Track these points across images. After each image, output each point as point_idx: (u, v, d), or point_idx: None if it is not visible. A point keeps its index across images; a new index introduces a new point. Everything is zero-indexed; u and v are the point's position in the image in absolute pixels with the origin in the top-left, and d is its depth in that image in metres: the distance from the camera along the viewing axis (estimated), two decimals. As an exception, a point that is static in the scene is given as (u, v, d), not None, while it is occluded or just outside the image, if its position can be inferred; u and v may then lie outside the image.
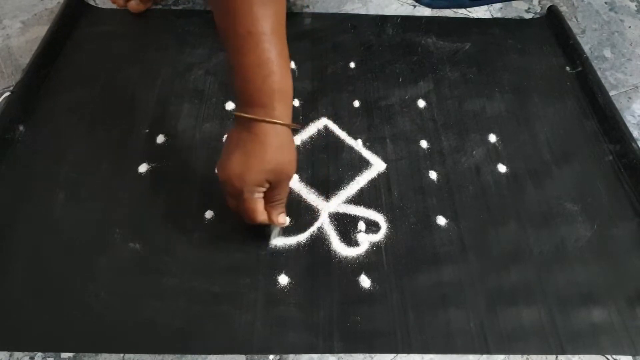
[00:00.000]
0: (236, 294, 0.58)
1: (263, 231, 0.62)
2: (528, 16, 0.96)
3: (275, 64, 0.51)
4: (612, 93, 0.81)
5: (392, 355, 0.55)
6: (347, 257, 0.62)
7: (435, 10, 0.95)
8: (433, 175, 0.70)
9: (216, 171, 0.58)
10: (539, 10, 0.97)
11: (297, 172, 0.69)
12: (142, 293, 0.58)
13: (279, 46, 0.52)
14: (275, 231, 0.63)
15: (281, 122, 0.53)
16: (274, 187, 0.56)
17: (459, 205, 0.67)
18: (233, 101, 0.77)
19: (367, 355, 0.55)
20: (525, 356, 0.55)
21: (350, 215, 0.66)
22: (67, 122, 0.74)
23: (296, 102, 0.78)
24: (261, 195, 0.56)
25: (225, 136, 0.70)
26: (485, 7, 0.96)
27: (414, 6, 0.96)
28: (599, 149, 0.74)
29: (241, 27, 0.50)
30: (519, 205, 0.67)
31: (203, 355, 0.54)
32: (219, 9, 0.51)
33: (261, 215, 0.57)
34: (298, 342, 0.55)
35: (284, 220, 0.60)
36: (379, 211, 0.66)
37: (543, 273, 0.61)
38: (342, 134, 0.74)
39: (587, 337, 0.57)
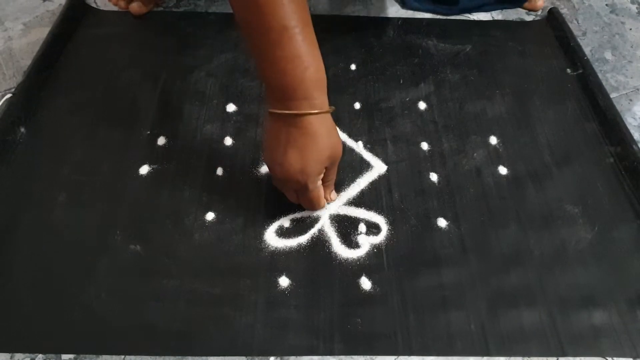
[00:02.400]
0: (237, 296, 0.58)
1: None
2: (529, 18, 0.96)
3: (311, 54, 0.52)
4: (612, 95, 0.81)
5: (392, 357, 0.55)
6: (347, 259, 0.62)
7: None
8: (434, 177, 0.70)
9: (269, 171, 0.61)
10: (539, 13, 0.97)
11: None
12: (142, 295, 0.58)
13: (312, 37, 0.53)
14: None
15: (325, 110, 0.55)
16: (327, 170, 0.59)
17: (459, 207, 0.67)
18: (234, 103, 0.77)
19: (368, 357, 0.55)
20: (525, 358, 0.55)
21: (350, 217, 0.66)
22: (68, 123, 0.74)
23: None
24: (319, 184, 0.59)
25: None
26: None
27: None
28: (599, 151, 0.74)
29: (276, 21, 0.50)
30: (520, 208, 0.67)
31: (203, 357, 0.54)
32: (247, 6, 0.51)
33: (323, 201, 0.62)
34: (298, 344, 0.55)
35: (335, 196, 0.66)
36: (379, 213, 0.66)
37: (544, 275, 0.61)
38: (343, 136, 0.74)
39: (587, 339, 0.56)
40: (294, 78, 0.52)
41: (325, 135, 0.55)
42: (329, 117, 0.56)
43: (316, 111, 0.54)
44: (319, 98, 0.54)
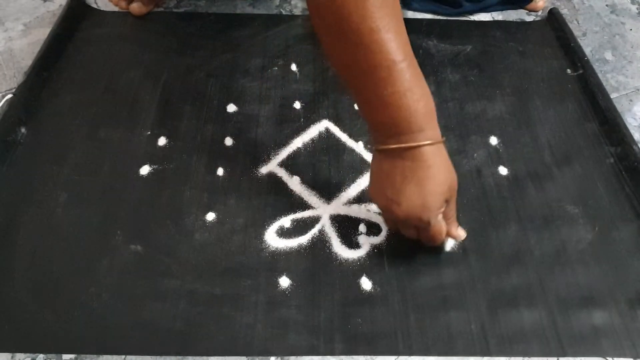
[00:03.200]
0: (237, 296, 0.58)
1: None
2: (529, 19, 0.96)
3: (421, 86, 0.51)
4: (613, 95, 0.81)
5: (393, 358, 0.55)
6: (348, 259, 0.62)
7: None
8: (434, 177, 0.70)
9: (383, 212, 0.60)
10: (539, 13, 0.97)
11: (297, 174, 0.69)
12: (143, 295, 0.58)
13: (417, 67, 0.52)
14: (451, 242, 0.63)
15: (439, 140, 0.53)
16: (447, 204, 0.56)
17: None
18: (234, 103, 0.78)
19: (368, 357, 0.55)
20: (526, 358, 0.55)
21: (351, 217, 0.66)
22: (69, 124, 0.74)
23: (297, 105, 0.78)
24: (440, 218, 0.56)
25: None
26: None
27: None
28: (600, 152, 0.74)
29: (384, 58, 0.49)
30: (520, 208, 0.67)
31: (204, 357, 0.54)
32: (351, 47, 0.49)
33: (443, 237, 0.58)
34: (299, 344, 0.55)
35: (463, 232, 0.60)
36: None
37: (544, 275, 0.61)
38: (344, 136, 0.75)
39: (588, 340, 0.56)
40: (408, 111, 0.50)
41: (442, 166, 0.53)
42: (442, 147, 0.54)
43: (431, 141, 0.52)
44: (433, 129, 0.52)
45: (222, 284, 0.59)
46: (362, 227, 0.65)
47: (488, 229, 0.65)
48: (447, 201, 0.55)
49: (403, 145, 0.52)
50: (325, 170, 0.70)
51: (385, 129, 0.53)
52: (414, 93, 0.50)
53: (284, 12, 0.94)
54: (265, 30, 0.90)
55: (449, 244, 0.63)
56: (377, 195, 0.58)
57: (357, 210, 0.66)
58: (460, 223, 0.65)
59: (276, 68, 0.84)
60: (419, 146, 0.51)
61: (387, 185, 0.55)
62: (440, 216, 0.56)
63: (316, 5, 0.50)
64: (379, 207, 0.60)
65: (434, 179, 0.52)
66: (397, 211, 0.55)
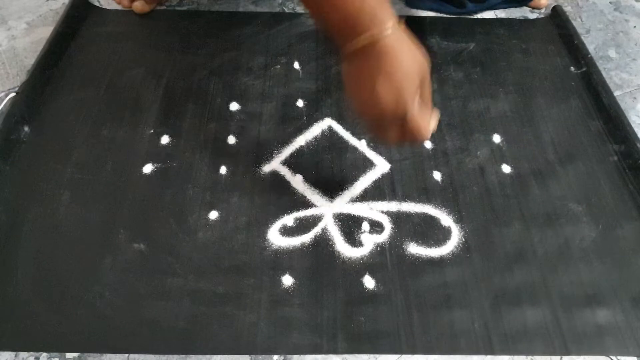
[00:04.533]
0: (240, 295, 0.58)
1: None
2: (532, 16, 0.95)
3: None
4: (616, 93, 0.81)
5: (396, 356, 0.55)
6: (351, 258, 0.62)
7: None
8: (437, 175, 0.70)
9: (362, 117, 0.56)
10: (543, 10, 0.96)
11: (300, 173, 0.69)
12: (146, 293, 0.58)
13: None
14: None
15: (396, 27, 0.50)
16: (421, 89, 0.53)
17: (463, 206, 0.67)
18: (237, 102, 0.77)
19: (372, 355, 0.55)
20: (529, 357, 0.55)
21: (354, 215, 0.66)
22: (72, 122, 0.74)
23: (300, 103, 0.78)
24: (419, 110, 0.53)
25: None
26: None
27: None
28: (603, 149, 0.74)
29: None
30: (523, 206, 0.67)
31: (207, 356, 0.55)
32: None
33: (428, 131, 0.54)
34: (302, 342, 0.55)
35: (434, 121, 0.56)
36: (382, 212, 0.66)
37: (547, 273, 0.61)
38: (346, 135, 0.74)
39: (591, 338, 0.56)
40: (358, 8, 0.49)
41: (406, 52, 0.50)
42: (401, 33, 0.51)
43: (388, 30, 0.49)
44: (387, 18, 0.49)
45: (225, 282, 0.59)
46: (365, 226, 0.65)
47: (491, 227, 0.65)
48: (420, 86, 0.52)
49: (361, 44, 0.50)
50: (328, 168, 0.70)
51: (342, 33, 0.51)
52: None
53: (286, 10, 0.94)
54: (267, 29, 0.89)
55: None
56: (353, 101, 0.55)
57: (360, 209, 0.66)
58: (464, 221, 0.65)
59: (279, 66, 0.83)
60: (378, 40, 0.49)
61: (358, 88, 0.53)
62: (416, 105, 0.52)
63: None
64: (357, 114, 0.57)
65: (401, 69, 0.50)
66: (373, 112, 0.53)
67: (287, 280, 0.60)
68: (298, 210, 0.66)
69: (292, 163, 0.71)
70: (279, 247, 0.63)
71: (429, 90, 0.54)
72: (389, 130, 0.55)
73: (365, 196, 0.68)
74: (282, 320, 0.57)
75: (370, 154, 0.72)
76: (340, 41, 0.52)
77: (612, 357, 0.55)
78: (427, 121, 0.54)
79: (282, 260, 0.61)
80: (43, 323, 0.56)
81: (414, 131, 0.53)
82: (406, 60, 0.50)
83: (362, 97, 0.53)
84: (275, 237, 0.63)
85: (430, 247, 0.63)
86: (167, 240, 0.62)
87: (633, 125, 0.75)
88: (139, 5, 0.90)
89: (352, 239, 0.63)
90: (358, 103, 0.54)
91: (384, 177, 0.70)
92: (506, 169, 0.71)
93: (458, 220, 0.65)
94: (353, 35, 0.50)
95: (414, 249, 0.63)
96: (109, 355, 0.54)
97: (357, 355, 0.55)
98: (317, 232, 0.64)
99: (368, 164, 0.71)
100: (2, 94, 0.78)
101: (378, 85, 0.50)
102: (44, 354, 0.54)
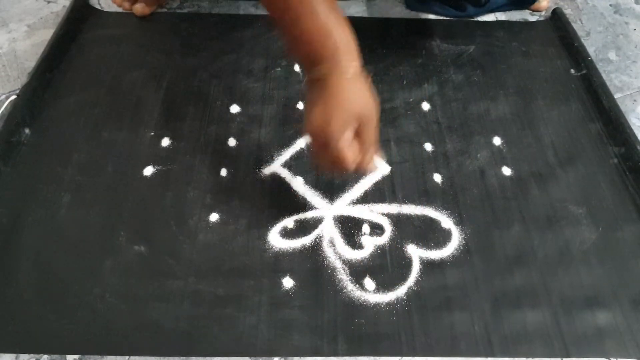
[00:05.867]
0: (240, 297, 0.58)
1: None
2: (532, 19, 0.96)
3: (331, 21, 0.54)
4: (617, 95, 0.81)
5: (396, 358, 0.55)
6: (351, 260, 0.62)
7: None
8: (437, 178, 0.70)
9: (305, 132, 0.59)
10: (543, 13, 0.97)
11: (300, 175, 0.69)
12: (147, 295, 0.58)
13: (331, 5, 0.55)
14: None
15: (351, 72, 0.55)
16: (361, 132, 0.56)
17: (463, 208, 0.67)
18: (237, 104, 0.78)
19: (372, 358, 0.55)
20: (529, 359, 0.55)
21: (354, 218, 0.66)
22: (73, 125, 0.74)
23: (300, 105, 0.78)
24: (348, 143, 0.56)
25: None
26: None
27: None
28: (603, 152, 0.74)
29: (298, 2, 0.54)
30: (524, 208, 0.67)
31: (207, 358, 0.54)
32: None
33: (352, 163, 0.56)
34: (302, 344, 0.55)
35: (374, 165, 0.61)
36: (383, 214, 0.66)
37: (547, 276, 0.61)
38: (347, 137, 0.74)
39: (592, 340, 0.56)
40: (318, 44, 0.54)
41: (353, 92, 0.55)
42: (357, 80, 0.56)
43: (345, 70, 0.54)
44: (349, 59, 0.55)
45: (226, 284, 0.59)
46: (365, 228, 0.65)
47: (491, 229, 0.65)
48: (359, 129, 0.56)
49: (317, 75, 0.55)
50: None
51: (306, 59, 0.57)
52: (323, 29, 0.54)
53: (287, 13, 0.94)
54: (268, 31, 0.90)
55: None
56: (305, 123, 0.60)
57: (360, 211, 0.66)
58: (464, 223, 0.65)
59: (279, 69, 0.84)
60: (332, 74, 0.54)
61: (308, 110, 0.57)
62: (345, 138, 0.55)
63: None
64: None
65: (338, 102, 0.54)
66: (307, 130, 0.57)
67: (288, 282, 0.60)
68: (298, 212, 0.66)
69: (293, 165, 0.71)
70: (280, 249, 0.63)
71: (372, 132, 0.57)
72: (319, 150, 0.57)
73: (366, 198, 0.68)
74: (282, 322, 0.57)
75: (371, 156, 0.72)
76: (305, 65, 0.57)
77: (612, 359, 0.55)
78: (355, 156, 0.56)
79: (283, 262, 0.61)
80: (44, 325, 0.56)
81: (335, 160, 0.56)
82: (348, 98, 0.55)
83: (306, 116, 0.57)
84: (275, 240, 0.63)
85: (431, 250, 0.63)
86: (167, 243, 0.62)
87: (633, 127, 0.75)
88: (139, 8, 0.90)
89: (353, 241, 0.63)
90: (305, 120, 0.58)
91: (384, 179, 0.70)
92: (506, 171, 0.71)
93: (458, 222, 0.65)
94: (314, 64, 0.55)
95: (415, 251, 0.63)
96: (109, 357, 0.54)
97: (357, 357, 0.55)
98: (318, 235, 0.64)
99: (368, 166, 0.71)
100: (3, 96, 0.78)
101: (316, 109, 0.55)
102: (45, 356, 0.54)
